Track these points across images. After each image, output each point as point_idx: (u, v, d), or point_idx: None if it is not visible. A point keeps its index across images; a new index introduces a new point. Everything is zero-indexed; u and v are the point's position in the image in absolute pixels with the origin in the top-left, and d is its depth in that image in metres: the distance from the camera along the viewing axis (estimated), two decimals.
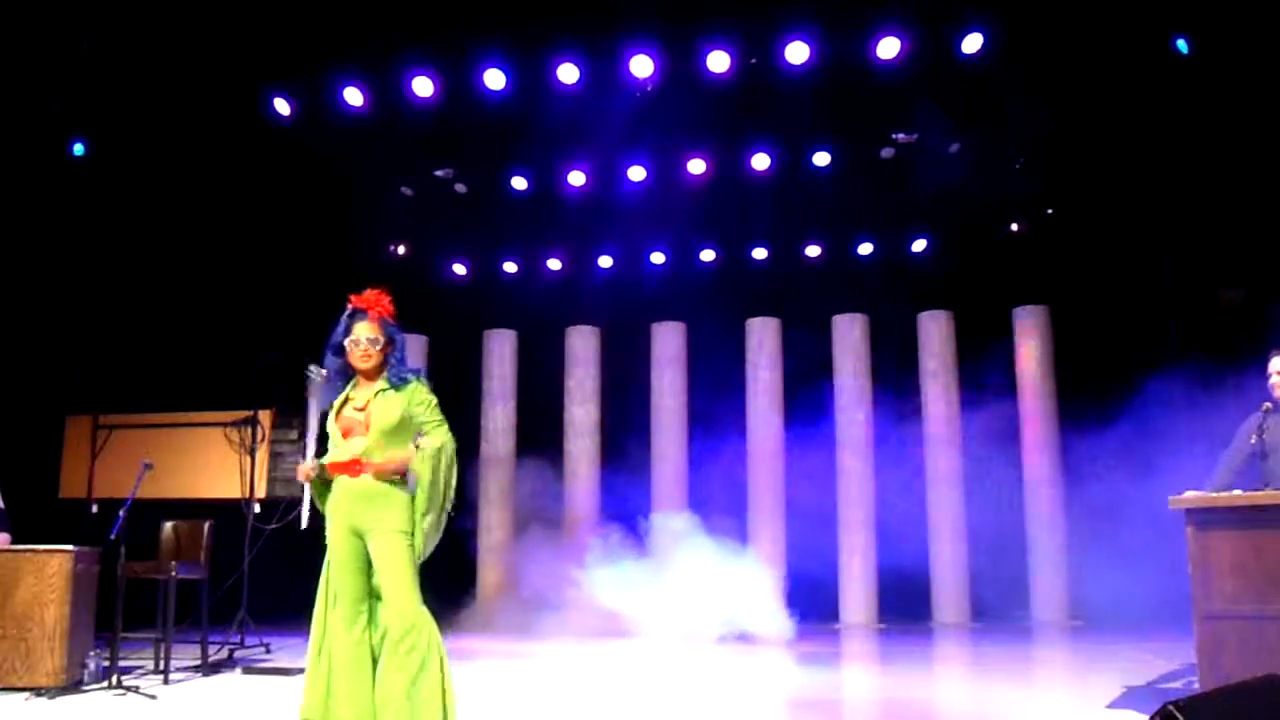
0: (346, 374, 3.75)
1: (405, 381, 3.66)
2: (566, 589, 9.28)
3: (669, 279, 10.57)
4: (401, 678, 3.44)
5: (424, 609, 3.54)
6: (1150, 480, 6.63)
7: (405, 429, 3.66)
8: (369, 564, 3.61)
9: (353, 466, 3.61)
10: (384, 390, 3.65)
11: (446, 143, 9.36)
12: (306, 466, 3.68)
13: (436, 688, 3.48)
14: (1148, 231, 9.20)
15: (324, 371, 3.73)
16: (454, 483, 3.66)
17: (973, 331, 10.04)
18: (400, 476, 3.62)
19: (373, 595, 3.62)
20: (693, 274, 10.52)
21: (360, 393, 3.70)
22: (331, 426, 3.70)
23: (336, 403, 3.72)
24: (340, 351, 3.73)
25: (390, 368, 3.70)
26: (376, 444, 3.60)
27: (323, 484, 3.72)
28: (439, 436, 3.63)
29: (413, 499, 3.61)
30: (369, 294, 3.77)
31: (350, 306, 3.75)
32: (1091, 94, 8.34)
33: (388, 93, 8.71)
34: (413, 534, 3.59)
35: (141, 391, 9.41)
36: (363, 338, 3.68)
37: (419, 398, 3.66)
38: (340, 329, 3.73)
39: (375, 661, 3.57)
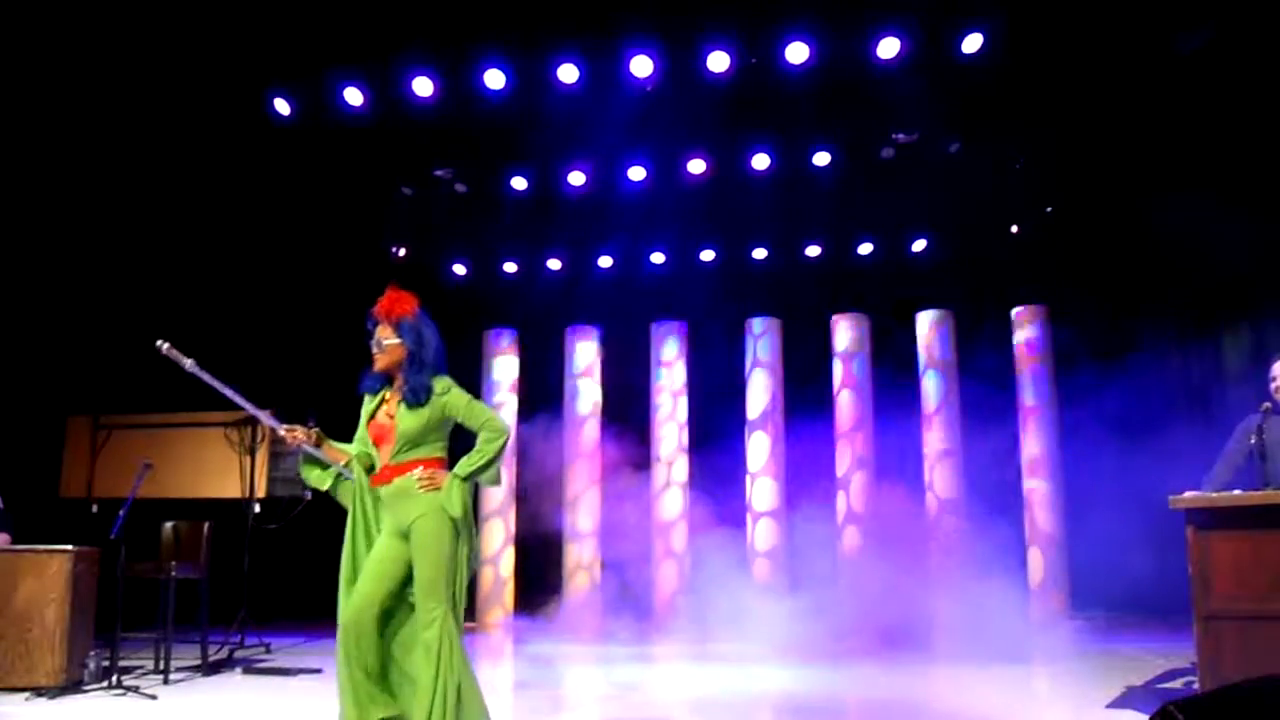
0: (385, 377, 3.72)
1: (420, 401, 3.58)
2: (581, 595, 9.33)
3: (669, 279, 10.58)
4: (425, 676, 3.44)
5: (445, 606, 3.50)
6: (1150, 479, 6.63)
7: (434, 430, 3.63)
8: (403, 570, 3.58)
9: (384, 474, 3.61)
10: (403, 401, 3.62)
11: (446, 143, 9.36)
12: (300, 431, 3.63)
13: (454, 689, 3.45)
14: (1147, 231, 9.20)
15: (165, 344, 3.67)
16: (497, 466, 3.66)
17: (973, 331, 10.05)
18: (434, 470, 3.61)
19: (403, 595, 3.60)
20: (693, 274, 10.53)
21: (393, 397, 3.67)
22: (363, 427, 3.69)
23: (372, 405, 3.71)
24: None
25: (406, 374, 3.63)
26: (404, 450, 3.59)
27: (321, 465, 3.70)
28: (497, 431, 3.63)
29: (451, 478, 3.58)
30: (384, 296, 3.74)
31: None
32: (1091, 93, 8.34)
33: (388, 93, 8.71)
34: (458, 516, 3.54)
35: (141, 391, 9.40)
36: (373, 339, 3.68)
37: (451, 401, 3.61)
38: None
39: (380, 662, 3.56)
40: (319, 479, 3.73)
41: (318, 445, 3.69)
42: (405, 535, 3.58)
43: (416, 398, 3.59)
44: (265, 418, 3.75)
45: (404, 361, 3.65)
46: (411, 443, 3.59)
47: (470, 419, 3.64)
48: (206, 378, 3.64)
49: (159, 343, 3.59)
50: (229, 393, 3.75)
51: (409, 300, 3.72)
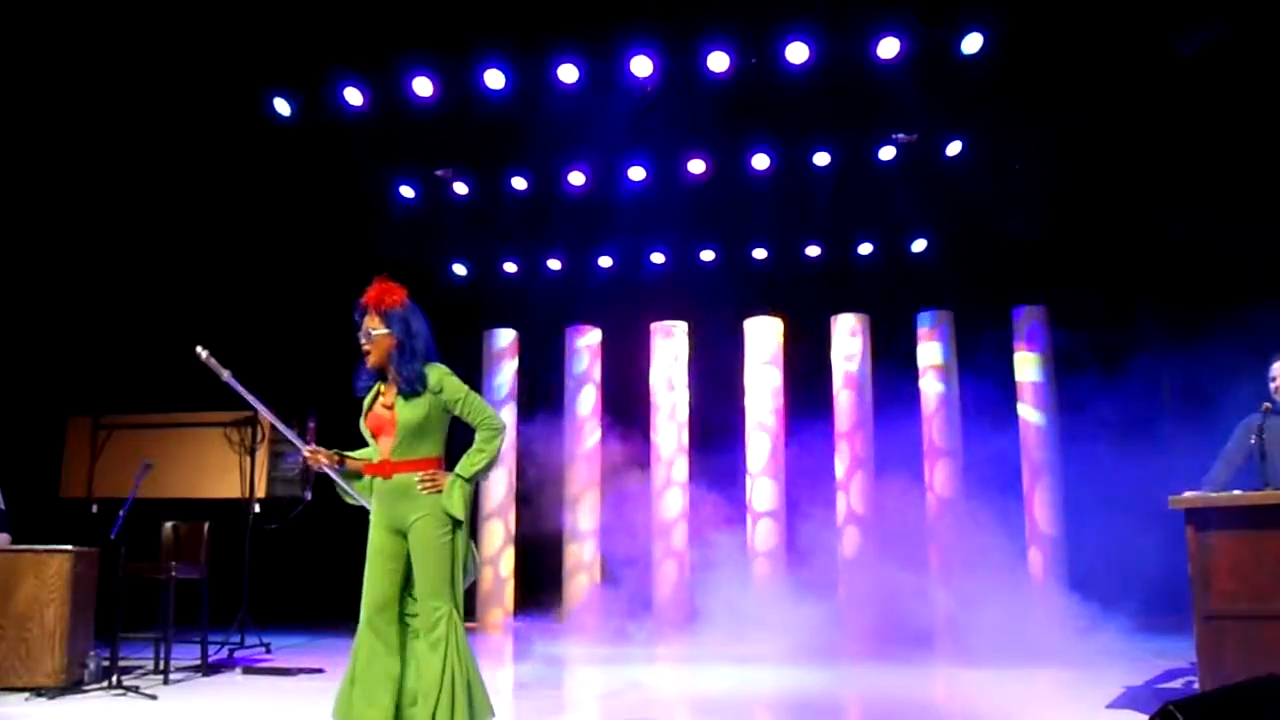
0: (377, 372, 3.70)
1: (415, 392, 3.57)
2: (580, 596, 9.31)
3: (669, 279, 10.57)
4: (432, 672, 3.43)
5: (450, 605, 3.49)
6: (1150, 479, 6.63)
7: (434, 423, 3.61)
8: (405, 565, 3.58)
9: (384, 468, 3.60)
10: (399, 393, 3.60)
11: (446, 143, 9.36)
12: (323, 454, 3.64)
13: (463, 683, 3.45)
14: (1147, 231, 9.20)
15: (205, 351, 3.66)
16: (495, 461, 3.65)
17: (973, 331, 10.05)
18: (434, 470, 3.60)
19: (405, 595, 3.60)
20: (693, 274, 10.52)
21: (389, 389, 3.65)
22: (362, 423, 3.69)
23: (368, 399, 3.70)
24: None
25: (397, 365, 3.60)
26: (405, 443, 3.57)
27: (351, 475, 3.70)
28: (495, 430, 3.61)
29: (454, 479, 3.56)
30: (372, 286, 3.72)
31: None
32: (1092, 93, 8.34)
33: (388, 93, 8.71)
34: (454, 520, 3.53)
35: (141, 391, 9.40)
36: (361, 330, 3.66)
37: (447, 391, 3.60)
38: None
39: (398, 659, 3.55)
40: (355, 500, 3.75)
41: (340, 464, 3.69)
42: (402, 533, 3.58)
43: (411, 387, 3.57)
44: (293, 436, 3.82)
45: (393, 352, 3.61)
46: (413, 435, 3.57)
47: (467, 413, 3.62)
48: (241, 390, 3.66)
49: (199, 350, 3.60)
50: (261, 407, 3.81)
51: (397, 290, 3.70)
